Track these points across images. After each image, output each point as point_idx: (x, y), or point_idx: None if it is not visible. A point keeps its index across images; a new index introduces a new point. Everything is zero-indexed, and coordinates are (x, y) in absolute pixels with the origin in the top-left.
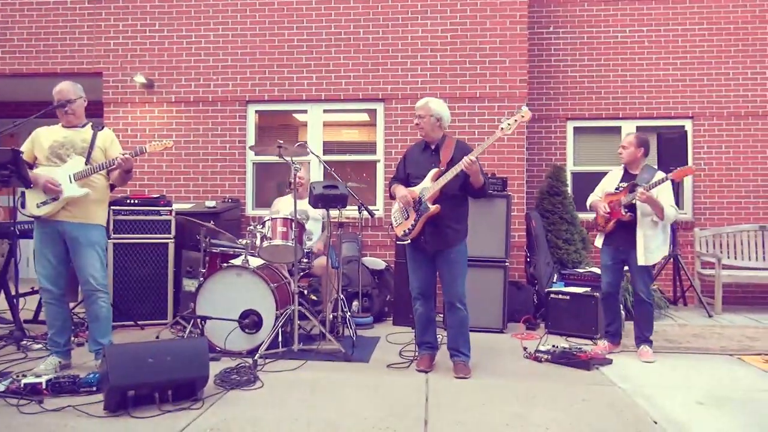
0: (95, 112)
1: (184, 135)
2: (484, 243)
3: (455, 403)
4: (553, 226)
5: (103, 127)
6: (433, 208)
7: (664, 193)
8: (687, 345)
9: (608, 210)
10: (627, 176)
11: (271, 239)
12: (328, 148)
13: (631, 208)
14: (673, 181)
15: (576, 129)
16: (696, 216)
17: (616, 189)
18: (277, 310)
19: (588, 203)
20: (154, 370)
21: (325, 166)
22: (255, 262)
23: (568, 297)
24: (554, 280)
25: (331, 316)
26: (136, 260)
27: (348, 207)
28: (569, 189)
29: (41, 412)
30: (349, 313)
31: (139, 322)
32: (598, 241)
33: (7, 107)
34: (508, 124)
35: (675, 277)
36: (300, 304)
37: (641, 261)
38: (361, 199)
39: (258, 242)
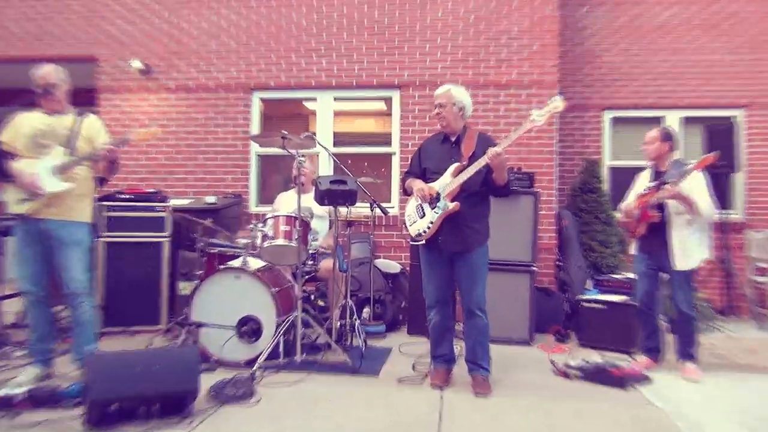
0: (89, 99)
1: (184, 125)
2: (508, 245)
3: (471, 423)
4: (586, 227)
5: (88, 114)
6: (453, 205)
7: (696, 189)
8: (737, 361)
9: (638, 208)
10: (656, 175)
11: (273, 239)
12: (339, 139)
13: (661, 207)
14: (715, 172)
15: (613, 119)
16: (748, 216)
17: (645, 190)
18: (278, 316)
19: (620, 209)
20: (140, 382)
21: (334, 159)
22: (255, 263)
23: (603, 306)
24: (587, 287)
25: (338, 324)
26: (128, 260)
27: (360, 204)
28: (605, 185)
29: (16, 428)
30: (358, 321)
31: (131, 328)
32: (632, 248)
33: None
34: (540, 115)
35: (724, 284)
36: (304, 310)
37: (679, 265)
38: (375, 195)
39: (259, 242)
